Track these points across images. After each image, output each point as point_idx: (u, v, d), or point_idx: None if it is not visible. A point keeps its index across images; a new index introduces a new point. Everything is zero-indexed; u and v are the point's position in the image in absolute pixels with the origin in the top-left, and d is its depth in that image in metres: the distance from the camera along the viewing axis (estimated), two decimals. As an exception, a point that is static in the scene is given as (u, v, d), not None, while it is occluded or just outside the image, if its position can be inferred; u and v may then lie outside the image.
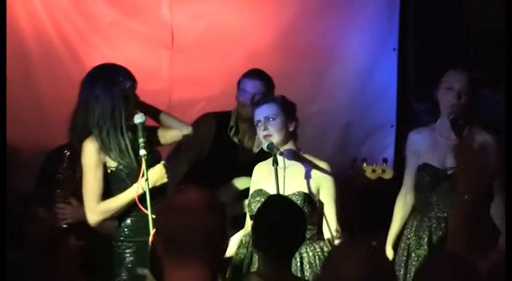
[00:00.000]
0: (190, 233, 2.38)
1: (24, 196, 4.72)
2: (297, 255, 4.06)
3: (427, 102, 5.00)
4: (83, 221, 4.22)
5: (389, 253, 4.60)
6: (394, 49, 5.91)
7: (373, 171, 4.78)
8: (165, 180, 4.18)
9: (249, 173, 4.50)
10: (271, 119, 4.29)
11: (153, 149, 4.25)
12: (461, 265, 2.67)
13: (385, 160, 4.93)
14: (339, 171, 4.47)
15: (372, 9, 5.88)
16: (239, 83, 4.92)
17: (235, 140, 4.91)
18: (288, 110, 4.34)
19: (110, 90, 4.13)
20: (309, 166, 4.28)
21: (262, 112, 4.31)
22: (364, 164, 4.78)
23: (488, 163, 4.05)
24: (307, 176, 4.26)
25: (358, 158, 4.92)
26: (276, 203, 3.61)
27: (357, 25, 5.88)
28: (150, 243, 3.82)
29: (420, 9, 5.97)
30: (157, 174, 4.15)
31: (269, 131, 4.27)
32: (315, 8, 5.77)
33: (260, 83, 4.86)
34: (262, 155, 4.39)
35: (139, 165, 4.11)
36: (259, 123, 4.31)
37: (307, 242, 4.15)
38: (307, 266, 4.14)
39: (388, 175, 4.79)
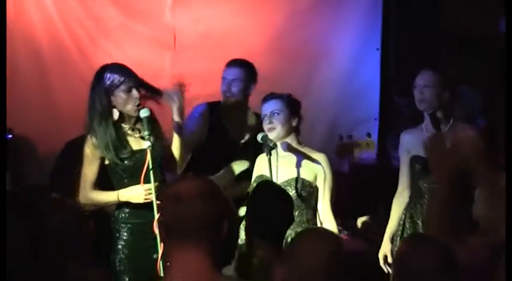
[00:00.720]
0: (186, 220, 2.44)
1: (42, 187, 4.94)
2: (294, 237, 4.03)
3: (407, 98, 4.99)
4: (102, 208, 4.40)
5: (387, 247, 4.65)
6: (378, 49, 6.13)
7: (358, 144, 5.08)
8: (141, 201, 4.18)
9: (241, 156, 4.68)
10: (276, 113, 4.45)
11: (158, 143, 4.29)
12: (435, 247, 2.73)
13: (369, 135, 5.20)
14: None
15: (357, 12, 6.07)
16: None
17: (226, 125, 5.03)
18: (292, 106, 4.49)
19: (95, 87, 4.23)
20: (302, 156, 4.44)
21: (268, 107, 4.48)
22: (350, 140, 5.08)
23: (465, 153, 4.26)
24: (299, 165, 4.42)
25: (344, 134, 5.18)
26: (263, 190, 3.83)
27: (343, 27, 6.07)
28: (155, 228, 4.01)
29: (401, 12, 6.15)
30: (134, 192, 4.20)
31: (273, 125, 4.44)
32: (305, 12, 5.94)
33: (237, 70, 4.93)
34: (253, 140, 4.53)
35: (123, 161, 4.24)
36: (265, 117, 4.47)
37: (304, 225, 4.31)
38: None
39: (372, 147, 5.08)
